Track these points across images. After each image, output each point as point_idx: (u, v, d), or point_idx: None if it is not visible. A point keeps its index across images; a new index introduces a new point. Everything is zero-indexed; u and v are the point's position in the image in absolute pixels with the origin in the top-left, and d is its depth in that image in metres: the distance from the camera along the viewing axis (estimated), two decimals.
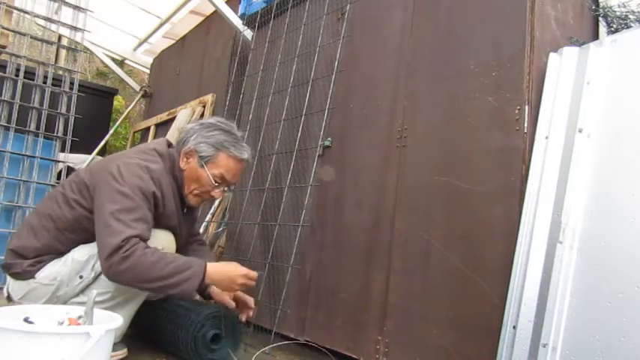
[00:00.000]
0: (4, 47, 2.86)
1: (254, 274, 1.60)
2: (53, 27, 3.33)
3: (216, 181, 1.67)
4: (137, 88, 4.72)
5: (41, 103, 2.85)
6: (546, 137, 1.36)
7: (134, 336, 1.81)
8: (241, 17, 2.86)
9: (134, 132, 4.50)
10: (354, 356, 1.73)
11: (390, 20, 1.91)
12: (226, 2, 2.98)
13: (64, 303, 1.55)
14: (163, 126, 3.75)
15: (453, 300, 1.46)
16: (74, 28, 3.03)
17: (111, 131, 4.26)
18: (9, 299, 1.61)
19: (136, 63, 5.18)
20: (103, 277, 1.54)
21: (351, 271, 1.82)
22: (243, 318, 1.70)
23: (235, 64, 2.86)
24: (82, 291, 1.56)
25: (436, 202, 1.57)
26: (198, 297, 1.83)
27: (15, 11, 2.88)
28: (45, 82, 2.88)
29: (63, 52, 4.93)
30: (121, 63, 5.27)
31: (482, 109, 1.50)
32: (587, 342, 1.14)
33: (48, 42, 3.07)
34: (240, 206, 2.44)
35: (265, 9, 2.67)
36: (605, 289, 1.15)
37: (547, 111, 1.39)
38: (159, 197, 1.58)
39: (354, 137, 1.95)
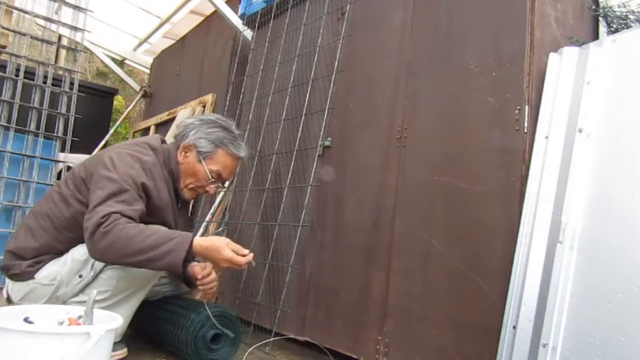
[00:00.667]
0: (4, 47, 2.86)
1: (244, 251, 1.52)
2: (53, 27, 3.33)
3: (212, 177, 1.70)
4: (137, 88, 4.72)
5: (41, 103, 2.84)
6: (546, 137, 1.36)
7: (134, 336, 1.81)
8: (241, 17, 2.86)
9: (134, 132, 4.50)
10: (354, 356, 1.73)
11: (390, 20, 1.91)
12: (226, 2, 2.98)
13: (64, 303, 1.55)
14: (163, 126, 3.75)
15: (453, 300, 1.46)
16: (74, 28, 3.02)
17: (111, 131, 4.25)
18: (9, 301, 1.61)
19: (136, 63, 5.18)
20: (102, 276, 1.54)
21: (351, 271, 1.82)
22: (198, 296, 1.65)
23: (235, 64, 2.86)
24: (82, 290, 1.56)
25: (436, 202, 1.57)
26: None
27: (15, 11, 2.88)
28: (45, 82, 2.88)
29: (63, 52, 4.93)
30: (121, 63, 5.27)
31: (482, 109, 1.50)
32: (587, 342, 1.14)
33: (48, 42, 3.07)
34: (240, 206, 2.44)
35: (265, 9, 2.67)
36: (605, 289, 1.15)
37: (547, 111, 1.39)
38: (150, 188, 1.57)
39: (354, 137, 1.95)
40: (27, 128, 2.78)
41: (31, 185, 2.77)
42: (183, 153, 1.70)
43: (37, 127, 2.81)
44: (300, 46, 2.33)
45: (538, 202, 1.31)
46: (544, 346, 1.20)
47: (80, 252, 1.56)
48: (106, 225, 1.40)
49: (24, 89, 2.79)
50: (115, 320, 1.22)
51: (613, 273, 1.15)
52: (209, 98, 3.15)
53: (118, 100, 5.91)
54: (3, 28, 2.81)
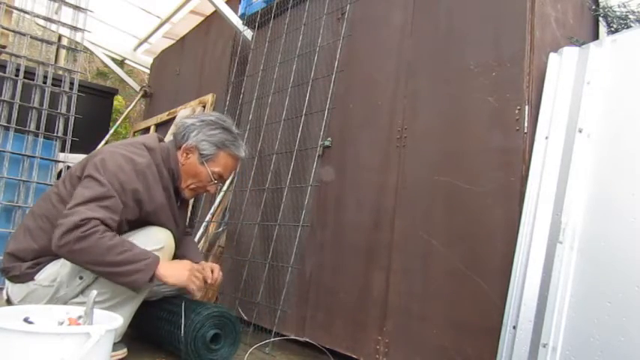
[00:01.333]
0: (4, 47, 2.86)
1: (206, 274, 1.63)
2: (53, 27, 3.33)
3: (214, 178, 1.72)
4: (137, 88, 4.72)
5: (41, 103, 2.84)
6: (546, 137, 1.36)
7: (134, 336, 1.81)
8: (241, 17, 2.86)
9: (134, 132, 4.49)
10: (354, 356, 1.73)
11: (390, 20, 1.91)
12: (226, 2, 2.98)
13: (64, 304, 1.54)
14: (163, 126, 3.75)
15: (453, 300, 1.46)
16: (74, 28, 3.02)
17: (111, 131, 4.25)
18: (9, 302, 1.60)
19: (136, 63, 5.18)
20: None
21: (351, 271, 1.82)
22: (198, 296, 1.68)
23: (235, 64, 2.86)
24: (82, 291, 1.56)
25: (436, 202, 1.57)
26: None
27: (15, 11, 2.88)
28: (45, 82, 2.88)
29: (63, 52, 4.93)
30: (121, 63, 5.27)
31: (482, 109, 1.50)
32: (587, 342, 1.14)
33: (48, 42, 3.07)
34: (240, 206, 2.44)
35: (265, 9, 2.67)
36: (605, 289, 1.15)
37: (547, 111, 1.39)
38: (141, 192, 1.56)
39: (354, 137, 1.95)
40: (27, 128, 2.78)
41: (31, 185, 2.77)
42: (184, 154, 1.70)
43: (37, 127, 2.81)
44: (300, 46, 2.33)
45: (538, 202, 1.31)
46: (544, 346, 1.20)
47: None
48: (84, 230, 1.39)
49: (24, 89, 2.79)
50: (115, 320, 1.22)
51: (613, 273, 1.15)
52: (209, 98, 3.15)
53: (118, 100, 5.91)
54: (3, 28, 2.81)
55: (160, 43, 4.69)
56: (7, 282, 1.60)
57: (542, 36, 1.45)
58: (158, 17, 4.44)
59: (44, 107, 2.84)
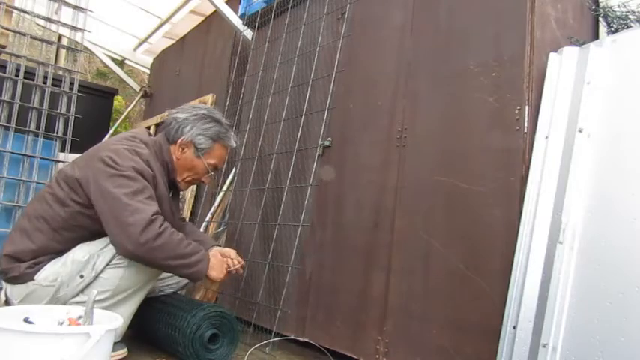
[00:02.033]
0: (4, 47, 2.86)
1: (238, 264, 1.74)
2: (53, 27, 3.34)
3: (210, 170, 1.78)
4: (137, 88, 4.72)
5: (41, 103, 2.84)
6: (546, 137, 1.36)
7: (134, 336, 1.81)
8: (241, 17, 2.86)
9: None
10: (354, 356, 1.73)
11: (390, 20, 1.91)
12: (226, 2, 2.98)
13: (64, 303, 1.54)
14: None
15: (453, 300, 1.46)
16: (74, 28, 3.02)
17: (111, 131, 4.25)
18: (7, 304, 1.58)
19: (135, 63, 5.18)
20: (103, 275, 1.54)
21: (351, 271, 1.82)
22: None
23: (235, 64, 2.86)
24: (83, 290, 1.56)
25: (436, 202, 1.57)
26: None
27: (15, 11, 2.88)
28: (45, 82, 2.88)
29: (63, 52, 4.93)
30: (121, 63, 5.27)
31: (482, 109, 1.50)
32: (587, 342, 1.14)
33: (48, 42, 3.07)
34: (240, 206, 2.44)
35: (265, 9, 2.67)
36: (605, 289, 1.15)
37: (547, 111, 1.39)
38: (156, 177, 1.62)
39: (354, 137, 1.95)
40: (27, 128, 2.78)
41: (31, 185, 2.77)
42: (180, 149, 1.73)
43: (37, 127, 2.81)
44: (300, 46, 2.33)
45: (538, 202, 1.31)
46: (544, 346, 1.20)
47: (81, 253, 1.56)
48: (160, 225, 1.45)
49: (24, 89, 2.79)
50: (115, 320, 1.22)
51: (613, 273, 1.15)
52: (209, 98, 3.15)
53: (118, 100, 5.91)
54: (3, 28, 2.81)
55: (160, 43, 4.68)
56: (4, 284, 1.59)
57: (542, 36, 1.45)
58: (158, 17, 4.43)
59: (44, 107, 2.84)
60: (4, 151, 2.69)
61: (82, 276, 1.54)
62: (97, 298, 1.36)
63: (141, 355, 1.70)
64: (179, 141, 1.72)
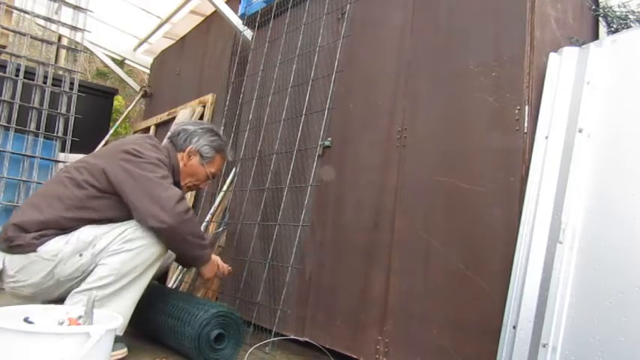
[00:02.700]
0: (4, 47, 2.86)
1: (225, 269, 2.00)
2: (53, 27, 3.34)
3: (210, 177, 2.00)
4: (137, 88, 4.72)
5: (41, 103, 2.85)
6: (546, 137, 1.36)
7: (134, 336, 1.81)
8: (241, 17, 2.86)
9: (134, 132, 4.49)
10: (354, 356, 1.73)
11: (390, 20, 1.91)
12: (226, 2, 2.98)
13: (57, 281, 1.57)
14: (163, 126, 3.75)
15: (453, 300, 1.46)
16: (74, 28, 3.03)
17: (111, 131, 4.25)
18: (2, 274, 1.59)
19: (136, 63, 5.18)
20: (104, 261, 1.57)
21: (351, 271, 1.82)
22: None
23: (235, 64, 2.86)
24: (80, 272, 1.58)
25: (436, 202, 1.57)
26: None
27: (15, 11, 2.88)
28: (45, 82, 2.88)
29: (63, 52, 4.93)
30: (121, 63, 5.27)
31: (482, 109, 1.50)
32: (587, 342, 1.14)
33: (48, 42, 3.07)
34: (240, 206, 2.44)
35: (265, 9, 2.67)
36: (605, 289, 1.15)
37: (547, 111, 1.39)
38: (172, 169, 1.83)
39: (354, 137, 1.95)
40: (27, 128, 2.78)
41: (31, 185, 2.77)
42: (187, 157, 1.92)
43: (37, 127, 2.82)
44: (300, 46, 2.33)
45: (538, 202, 1.31)
46: (544, 346, 1.20)
47: (87, 234, 1.61)
48: (186, 203, 1.65)
49: (24, 89, 2.79)
50: (115, 320, 1.22)
51: (613, 273, 1.15)
52: (209, 98, 3.15)
53: (118, 100, 5.91)
54: (3, 28, 2.81)
55: (160, 43, 4.68)
56: (3, 254, 1.60)
57: (542, 36, 1.45)
58: (158, 17, 4.43)
59: (44, 107, 2.84)
60: (4, 151, 2.69)
61: (80, 255, 1.58)
62: (101, 283, 1.53)
63: (141, 355, 1.70)
64: (187, 149, 1.92)
